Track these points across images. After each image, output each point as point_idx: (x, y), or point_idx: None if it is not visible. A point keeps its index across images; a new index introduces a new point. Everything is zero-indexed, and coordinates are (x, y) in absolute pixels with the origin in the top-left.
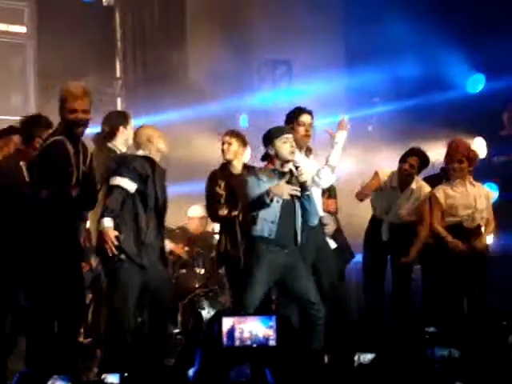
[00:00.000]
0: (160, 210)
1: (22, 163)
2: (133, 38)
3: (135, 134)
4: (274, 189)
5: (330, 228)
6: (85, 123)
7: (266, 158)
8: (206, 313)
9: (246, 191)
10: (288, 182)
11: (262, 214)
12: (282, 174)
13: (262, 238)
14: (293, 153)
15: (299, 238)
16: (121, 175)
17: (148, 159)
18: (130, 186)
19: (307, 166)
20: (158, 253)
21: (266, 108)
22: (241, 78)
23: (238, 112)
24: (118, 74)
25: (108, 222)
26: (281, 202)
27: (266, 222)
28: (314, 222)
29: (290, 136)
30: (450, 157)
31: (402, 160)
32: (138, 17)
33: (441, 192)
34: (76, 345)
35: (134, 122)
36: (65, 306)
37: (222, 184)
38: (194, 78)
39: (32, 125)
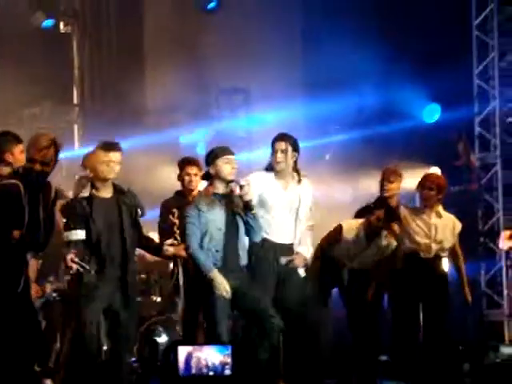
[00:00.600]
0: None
1: None
2: (90, 66)
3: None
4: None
5: (298, 261)
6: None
7: (207, 177)
8: (162, 341)
9: (187, 223)
10: (231, 202)
11: (207, 244)
12: (222, 197)
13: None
14: (233, 174)
15: (244, 258)
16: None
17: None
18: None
19: (303, 195)
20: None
21: (225, 136)
22: (199, 105)
23: (196, 140)
24: (76, 101)
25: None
26: (223, 229)
27: (211, 251)
28: (258, 238)
29: (232, 157)
30: (420, 184)
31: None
32: (96, 44)
33: (405, 212)
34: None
35: None
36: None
37: (176, 212)
38: (152, 105)
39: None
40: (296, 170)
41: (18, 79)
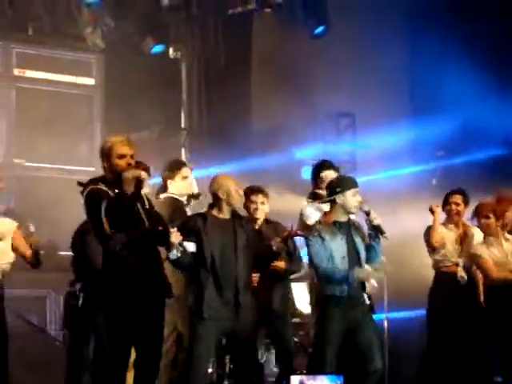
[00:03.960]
0: None
1: None
2: (198, 89)
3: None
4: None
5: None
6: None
7: (314, 197)
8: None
9: (311, 248)
10: (356, 230)
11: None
12: (342, 225)
13: (335, 297)
14: (358, 206)
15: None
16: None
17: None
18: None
19: None
20: None
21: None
22: (304, 129)
23: (302, 164)
24: (183, 124)
25: None
26: (347, 258)
27: (337, 281)
28: (379, 261)
29: (358, 189)
30: (475, 213)
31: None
32: (204, 69)
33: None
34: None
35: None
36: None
37: None
38: (258, 129)
39: None
40: None
41: (126, 104)
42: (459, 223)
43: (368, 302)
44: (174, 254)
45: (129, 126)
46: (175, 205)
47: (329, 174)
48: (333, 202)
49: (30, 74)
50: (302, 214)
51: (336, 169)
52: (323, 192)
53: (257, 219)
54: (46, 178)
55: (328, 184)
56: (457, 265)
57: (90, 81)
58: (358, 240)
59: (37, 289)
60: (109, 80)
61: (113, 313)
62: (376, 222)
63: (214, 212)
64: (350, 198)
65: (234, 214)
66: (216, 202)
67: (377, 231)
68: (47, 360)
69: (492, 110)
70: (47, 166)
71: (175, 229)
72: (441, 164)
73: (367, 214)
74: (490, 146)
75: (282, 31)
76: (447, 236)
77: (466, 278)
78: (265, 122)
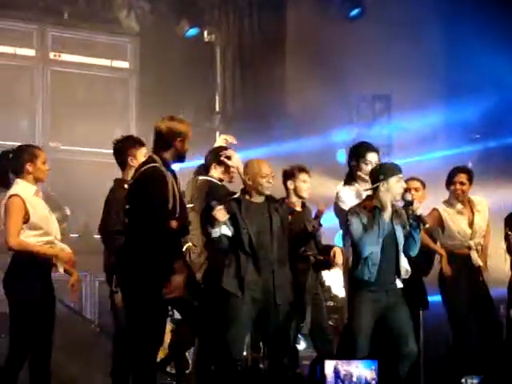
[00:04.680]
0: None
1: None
2: (232, 73)
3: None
4: None
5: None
6: None
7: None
8: (301, 348)
9: (350, 230)
10: (397, 216)
11: (363, 257)
12: (381, 210)
13: (365, 282)
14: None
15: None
16: None
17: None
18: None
19: None
20: None
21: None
22: (339, 113)
23: (337, 147)
24: (218, 108)
25: None
26: (381, 243)
27: (368, 265)
28: (415, 253)
29: (402, 175)
30: None
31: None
32: (238, 53)
33: None
34: None
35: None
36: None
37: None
38: (293, 112)
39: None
40: None
41: (161, 87)
42: (465, 202)
43: (401, 285)
44: (217, 231)
45: (164, 109)
46: (212, 187)
47: (370, 157)
48: (375, 189)
49: (65, 57)
50: (337, 198)
51: (376, 151)
52: (363, 174)
53: (302, 198)
54: (82, 162)
55: (371, 171)
56: (469, 248)
57: (125, 64)
58: (397, 227)
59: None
60: (144, 63)
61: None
62: (419, 211)
63: (247, 196)
64: (395, 185)
65: (268, 197)
66: (246, 187)
67: (418, 221)
68: (84, 343)
69: None
70: (83, 149)
71: (221, 206)
72: (477, 147)
73: (411, 203)
74: None
75: (317, 13)
76: (460, 220)
77: (480, 262)
78: (300, 105)
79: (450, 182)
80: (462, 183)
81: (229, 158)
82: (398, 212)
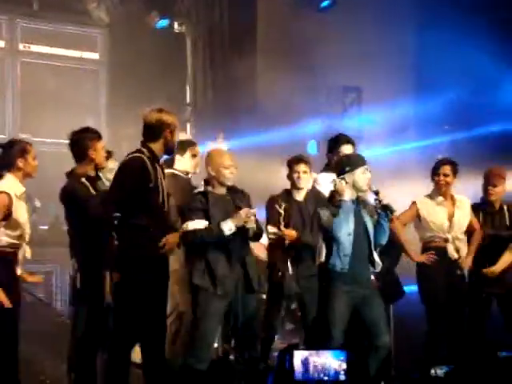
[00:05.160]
0: None
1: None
2: (203, 64)
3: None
4: None
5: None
6: None
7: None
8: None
9: (321, 224)
10: (364, 207)
11: (335, 249)
12: (349, 202)
13: (337, 273)
14: (368, 184)
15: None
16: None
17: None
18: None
19: None
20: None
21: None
22: (310, 104)
23: (307, 138)
24: (188, 99)
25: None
26: (352, 234)
27: (340, 256)
28: (385, 241)
29: (368, 166)
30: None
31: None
32: (209, 43)
33: None
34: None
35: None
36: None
37: (284, 205)
38: (263, 104)
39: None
40: None
41: (131, 78)
42: (448, 195)
43: (373, 278)
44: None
45: (134, 100)
46: (175, 180)
47: (345, 149)
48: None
49: (35, 48)
50: (315, 181)
51: (352, 143)
52: None
53: (300, 189)
54: (52, 153)
55: (336, 162)
56: (446, 241)
57: (95, 55)
58: (367, 219)
59: (43, 264)
60: (114, 55)
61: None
62: (385, 201)
63: (210, 188)
64: (360, 176)
65: (230, 188)
66: (209, 178)
67: (386, 210)
68: (54, 334)
69: (497, 84)
70: (53, 140)
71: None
72: (446, 138)
73: (376, 193)
74: (495, 120)
75: (288, 5)
76: (438, 211)
77: (456, 255)
78: (270, 97)
79: (434, 173)
80: (445, 175)
81: None
82: (364, 202)
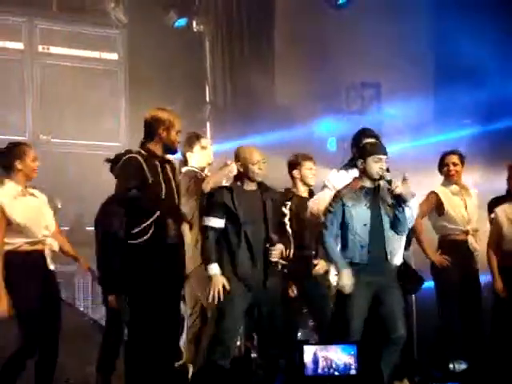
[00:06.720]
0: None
1: None
2: (222, 63)
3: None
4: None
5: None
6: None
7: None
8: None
9: (328, 214)
10: (379, 197)
11: (351, 240)
12: (369, 191)
13: (355, 264)
14: (380, 174)
15: (395, 257)
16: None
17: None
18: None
19: None
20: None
21: (355, 131)
22: (329, 101)
23: (327, 135)
24: (208, 98)
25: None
26: (369, 225)
27: (357, 247)
28: (405, 231)
29: (383, 157)
30: None
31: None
32: (228, 42)
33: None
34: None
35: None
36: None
37: (289, 204)
38: (282, 102)
39: None
40: None
41: (151, 78)
42: (460, 184)
43: (393, 268)
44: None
45: (153, 100)
46: (195, 177)
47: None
48: (353, 163)
49: (53, 50)
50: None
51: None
52: None
53: (309, 185)
54: (72, 154)
55: (354, 151)
56: (466, 233)
57: (114, 56)
58: (383, 208)
59: (65, 264)
60: (133, 55)
61: (136, 294)
62: (398, 190)
63: (239, 184)
64: (372, 165)
65: (261, 185)
66: (239, 174)
67: (399, 200)
68: (77, 335)
69: None
70: (73, 141)
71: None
72: (467, 133)
73: (389, 183)
74: None
75: (305, 2)
76: (456, 202)
77: (478, 248)
78: (289, 94)
79: (442, 164)
80: (454, 164)
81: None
82: (383, 192)
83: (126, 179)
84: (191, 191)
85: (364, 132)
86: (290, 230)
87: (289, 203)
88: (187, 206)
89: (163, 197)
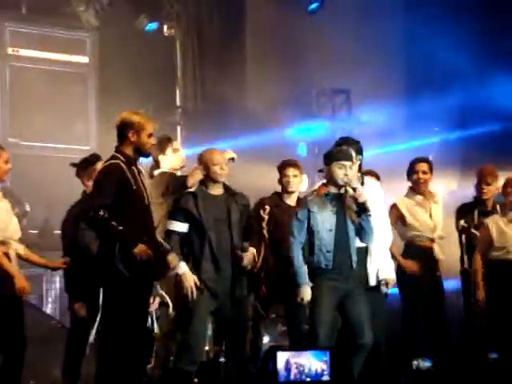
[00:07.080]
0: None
1: None
2: (193, 68)
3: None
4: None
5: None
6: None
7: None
8: (265, 341)
9: (294, 221)
10: (343, 204)
11: (317, 245)
12: (334, 198)
13: (321, 269)
14: (344, 180)
15: (354, 262)
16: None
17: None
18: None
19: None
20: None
21: (325, 137)
22: (300, 106)
23: (297, 141)
24: (178, 102)
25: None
26: (334, 230)
27: (322, 252)
28: (371, 241)
29: (347, 163)
30: (504, 188)
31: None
32: (199, 46)
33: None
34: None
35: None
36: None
37: (268, 209)
38: (253, 107)
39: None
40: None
41: (121, 82)
42: (427, 193)
43: (360, 274)
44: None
45: (123, 104)
46: (170, 178)
47: None
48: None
49: (23, 52)
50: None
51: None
52: None
53: (291, 192)
54: (41, 157)
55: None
56: (432, 240)
57: (84, 59)
58: (348, 214)
59: (33, 268)
60: (103, 58)
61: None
62: (361, 199)
63: (204, 188)
64: (336, 171)
65: (227, 189)
66: (204, 178)
67: (362, 209)
68: (45, 339)
69: (487, 86)
70: (42, 144)
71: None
72: (437, 139)
73: (353, 190)
74: (485, 121)
75: (276, 8)
76: (420, 212)
77: (442, 256)
78: (261, 99)
79: (411, 171)
80: (424, 172)
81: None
82: (349, 200)
83: (103, 193)
84: (172, 189)
85: (340, 140)
86: (266, 235)
87: (268, 208)
88: (166, 204)
89: (146, 203)
